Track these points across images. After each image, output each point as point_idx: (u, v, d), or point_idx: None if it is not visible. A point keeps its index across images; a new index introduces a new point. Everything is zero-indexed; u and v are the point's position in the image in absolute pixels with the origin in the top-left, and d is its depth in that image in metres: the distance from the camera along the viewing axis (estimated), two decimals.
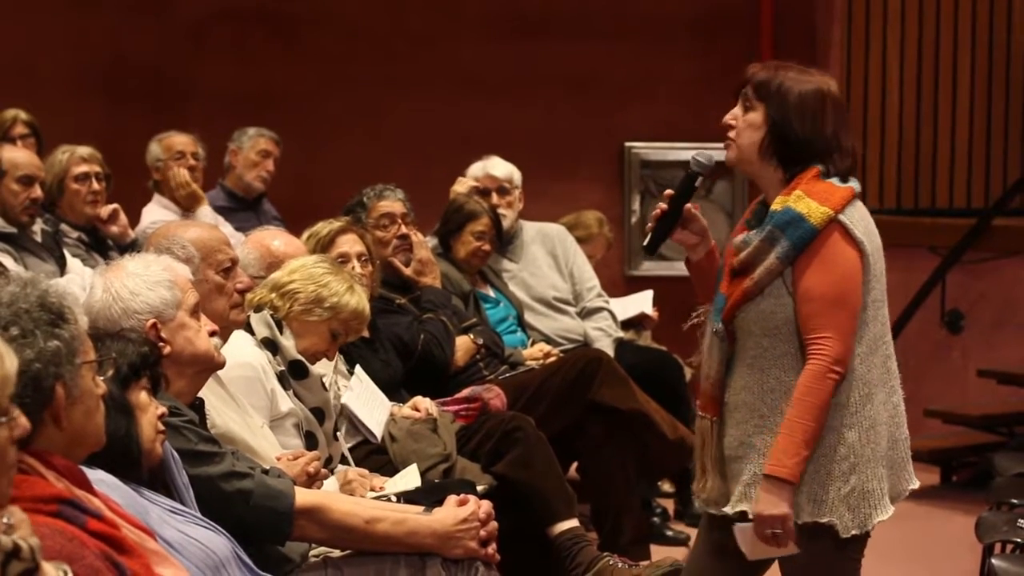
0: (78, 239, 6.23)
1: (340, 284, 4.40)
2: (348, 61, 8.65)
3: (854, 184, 3.48)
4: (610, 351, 6.27)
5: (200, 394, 3.61)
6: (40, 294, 2.60)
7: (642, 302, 7.19)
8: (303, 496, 3.52)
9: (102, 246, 6.30)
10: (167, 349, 3.40)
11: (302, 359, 4.32)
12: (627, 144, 8.82)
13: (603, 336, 6.51)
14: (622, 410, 5.56)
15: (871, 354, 3.46)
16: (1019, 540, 4.49)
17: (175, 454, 3.22)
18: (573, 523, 4.98)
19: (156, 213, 6.78)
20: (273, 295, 4.38)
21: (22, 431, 2.28)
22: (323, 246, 5.12)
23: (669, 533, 6.31)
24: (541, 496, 4.94)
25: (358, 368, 4.94)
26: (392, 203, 5.81)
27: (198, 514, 3.14)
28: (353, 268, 5.05)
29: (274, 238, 4.84)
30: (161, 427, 3.10)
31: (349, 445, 4.67)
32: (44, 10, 8.48)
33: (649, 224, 3.62)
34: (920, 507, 6.57)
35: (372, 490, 4.13)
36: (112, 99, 8.50)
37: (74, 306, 2.65)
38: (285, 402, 4.21)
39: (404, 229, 5.79)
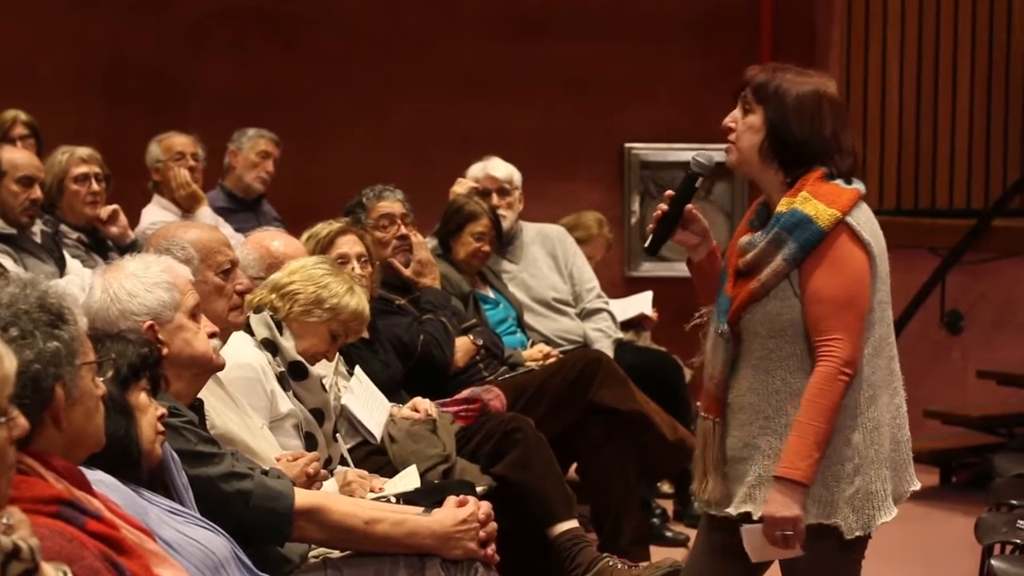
0: (78, 240, 6.23)
1: (340, 285, 4.40)
2: (348, 61, 8.64)
3: (859, 186, 3.48)
4: (610, 352, 6.27)
5: (200, 395, 3.61)
6: (40, 295, 2.60)
7: (642, 303, 7.19)
8: (302, 497, 3.52)
9: (102, 247, 6.30)
10: (164, 351, 3.40)
11: (302, 360, 4.32)
12: (627, 145, 8.81)
13: (603, 337, 6.51)
14: (622, 411, 5.56)
15: (876, 356, 3.46)
16: (1019, 541, 4.49)
17: (174, 455, 3.22)
18: (573, 524, 4.98)
19: (156, 214, 6.78)
20: (273, 296, 4.38)
21: (21, 431, 2.28)
22: (323, 247, 5.12)
23: (668, 534, 6.31)
24: (540, 497, 4.94)
25: (358, 369, 4.94)
26: (391, 204, 5.81)
27: (197, 515, 3.14)
28: (353, 269, 5.05)
29: (274, 239, 4.84)
30: (161, 428, 3.10)
31: (348, 446, 4.67)
32: (44, 10, 8.48)
33: (650, 225, 3.62)
34: (920, 508, 6.57)
35: (371, 491, 4.13)
36: (112, 99, 8.50)
37: (73, 307, 2.66)
38: (285, 403, 4.21)
39: (404, 230, 5.79)
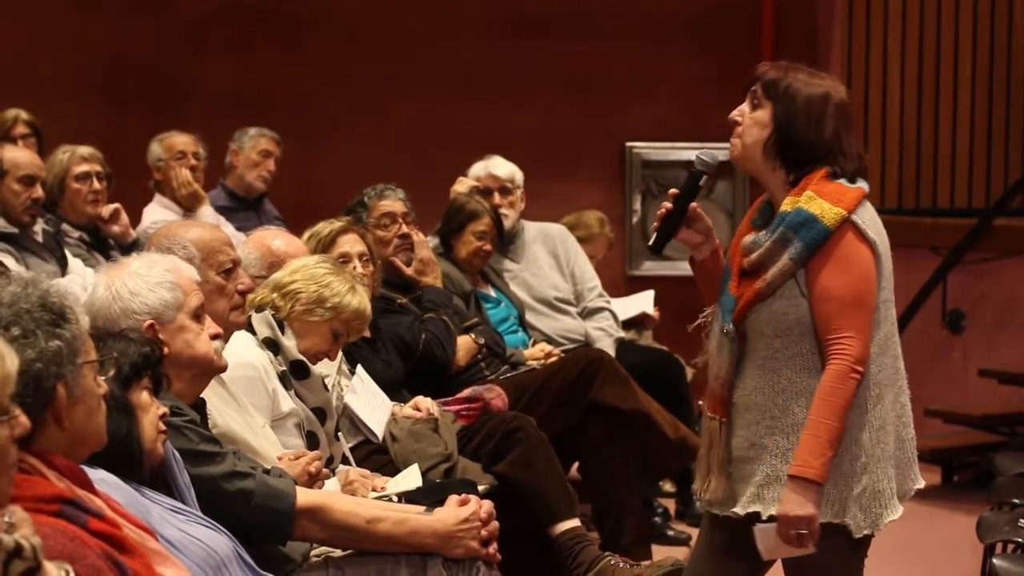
0: (79, 239, 6.23)
1: (342, 284, 4.40)
2: (348, 61, 8.64)
3: (863, 185, 3.48)
4: (611, 351, 6.26)
5: (202, 394, 3.61)
6: (41, 294, 2.60)
7: (643, 302, 7.19)
8: (304, 496, 3.52)
9: (103, 246, 6.30)
10: (165, 351, 3.39)
11: (303, 359, 4.32)
12: (628, 144, 8.81)
13: (604, 336, 6.51)
14: (623, 410, 5.55)
15: (882, 354, 3.46)
16: (1020, 540, 4.48)
17: (176, 454, 3.22)
18: (574, 523, 4.97)
19: (157, 213, 6.78)
20: (275, 295, 4.38)
21: (22, 430, 2.28)
22: (324, 246, 5.12)
23: (670, 533, 6.30)
24: (542, 496, 4.93)
25: (359, 368, 4.94)
26: (393, 202, 5.81)
27: (199, 513, 3.13)
28: (354, 268, 5.05)
29: (275, 238, 4.84)
30: (163, 427, 3.10)
31: (350, 445, 4.67)
32: (44, 10, 8.48)
33: (654, 224, 3.61)
34: (921, 507, 6.56)
35: (373, 490, 4.13)
36: (113, 99, 8.51)
37: (75, 306, 2.65)
38: (286, 402, 4.21)
39: (405, 228, 5.79)
